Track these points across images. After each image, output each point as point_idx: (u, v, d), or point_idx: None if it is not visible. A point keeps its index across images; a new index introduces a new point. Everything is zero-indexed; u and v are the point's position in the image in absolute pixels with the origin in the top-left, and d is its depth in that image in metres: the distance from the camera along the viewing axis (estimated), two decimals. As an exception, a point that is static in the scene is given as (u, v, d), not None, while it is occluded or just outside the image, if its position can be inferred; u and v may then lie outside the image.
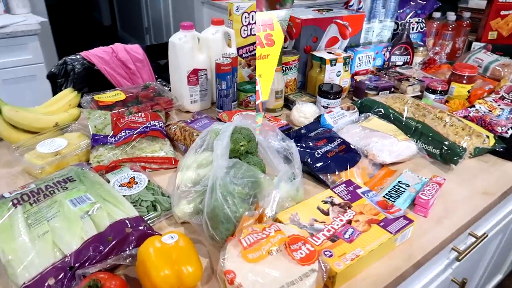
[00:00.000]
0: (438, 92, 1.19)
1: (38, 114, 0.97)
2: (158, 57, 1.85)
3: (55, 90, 1.52)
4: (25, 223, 0.62)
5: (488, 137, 0.98)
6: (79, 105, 1.07)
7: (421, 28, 1.50)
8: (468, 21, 1.55)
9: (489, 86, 1.28)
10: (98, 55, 1.49)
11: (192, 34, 1.07)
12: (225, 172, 0.64)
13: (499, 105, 1.14)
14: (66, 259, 0.57)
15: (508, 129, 1.01)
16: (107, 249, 0.59)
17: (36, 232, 0.60)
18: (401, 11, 1.48)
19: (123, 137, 0.88)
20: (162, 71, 1.69)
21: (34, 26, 2.18)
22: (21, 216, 0.63)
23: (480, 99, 1.17)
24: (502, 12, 1.50)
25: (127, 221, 0.63)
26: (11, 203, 0.66)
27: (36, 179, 0.81)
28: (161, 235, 0.60)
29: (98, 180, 0.73)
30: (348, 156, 0.88)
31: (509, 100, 1.19)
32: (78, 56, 1.48)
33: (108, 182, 0.78)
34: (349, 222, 0.68)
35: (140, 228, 0.63)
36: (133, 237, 0.61)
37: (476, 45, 1.55)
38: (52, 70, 1.49)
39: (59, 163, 0.84)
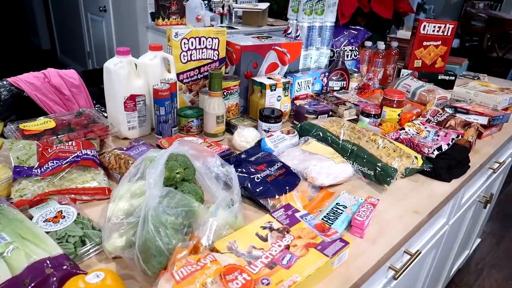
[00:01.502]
0: (372, 115, 1.26)
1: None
2: (100, 81, 1.78)
3: (-22, 118, 1.40)
4: None
5: (416, 158, 1.04)
6: (2, 135, 0.99)
7: (355, 56, 1.60)
8: (396, 50, 1.67)
9: (416, 110, 1.37)
10: (28, 80, 1.40)
11: (128, 59, 1.05)
12: (157, 202, 0.62)
13: (425, 127, 1.22)
14: (-27, 310, 0.51)
15: (434, 150, 1.09)
16: (22, 294, 0.53)
17: None
18: (336, 39, 1.57)
19: (51, 167, 0.82)
20: (99, 97, 1.63)
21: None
22: None
23: (409, 122, 1.26)
24: (424, 43, 1.64)
25: (48, 261, 0.57)
26: None
27: None
28: (85, 274, 0.55)
29: (17, 217, 0.67)
30: (287, 179, 0.89)
31: (434, 123, 1.29)
32: (5, 82, 1.38)
33: (31, 218, 0.72)
34: (287, 247, 0.68)
35: (64, 267, 0.58)
36: (55, 278, 0.56)
37: (404, 72, 1.68)
38: (-25, 96, 1.37)
39: (-26, 199, 0.76)
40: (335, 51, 1.55)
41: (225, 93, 1.21)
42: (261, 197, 0.84)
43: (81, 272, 0.59)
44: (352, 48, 1.58)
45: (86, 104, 1.47)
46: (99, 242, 0.69)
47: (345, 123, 1.15)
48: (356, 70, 1.59)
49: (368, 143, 1.07)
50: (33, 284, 0.54)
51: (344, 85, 1.51)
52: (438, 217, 1.16)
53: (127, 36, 3.40)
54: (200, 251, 0.62)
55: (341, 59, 1.47)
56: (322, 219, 0.82)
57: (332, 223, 0.81)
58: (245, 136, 1.09)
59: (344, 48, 1.56)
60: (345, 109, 1.30)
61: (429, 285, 1.51)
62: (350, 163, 1.02)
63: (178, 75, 1.19)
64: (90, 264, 0.67)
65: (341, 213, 0.85)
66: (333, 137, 1.08)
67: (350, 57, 1.59)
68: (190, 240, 0.61)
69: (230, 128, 1.21)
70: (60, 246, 0.63)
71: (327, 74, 1.46)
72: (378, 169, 0.97)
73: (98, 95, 1.63)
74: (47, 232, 0.67)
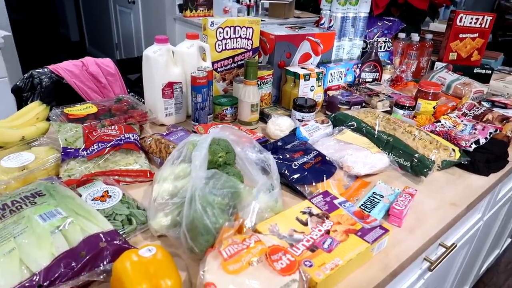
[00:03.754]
0: (406, 107, 1.24)
1: (2, 127, 0.92)
2: (129, 71, 1.82)
3: (20, 104, 1.46)
4: (-11, 241, 0.58)
5: (454, 150, 1.02)
6: (48, 119, 1.03)
7: (388, 47, 1.57)
8: (430, 42, 1.64)
9: (452, 103, 1.35)
10: (67, 68, 1.45)
11: (166, 47, 1.07)
12: (204, 183, 0.63)
13: (462, 121, 1.20)
14: (35, 277, 0.54)
15: (471, 144, 1.07)
16: (79, 265, 0.56)
17: (1, 250, 0.56)
18: (369, 30, 1.55)
19: (96, 150, 0.85)
20: (132, 86, 1.67)
21: (-4, 40, 2.10)
22: (-16, 233, 0.59)
23: (444, 115, 1.23)
24: (461, 35, 1.60)
25: (101, 235, 0.60)
26: (-28, 219, 0.61)
27: (1, 194, 0.76)
28: (137, 248, 0.57)
29: (69, 194, 0.70)
30: (324, 167, 0.90)
31: (471, 117, 1.26)
32: (45, 70, 1.43)
33: (80, 196, 0.75)
34: (328, 232, 0.69)
35: (115, 242, 0.60)
36: (108, 252, 0.59)
37: (438, 64, 1.64)
38: (18, 83, 1.43)
39: (26, 178, 0.80)
40: (368, 42, 1.53)
41: (258, 83, 1.21)
42: (298, 184, 0.85)
43: (132, 247, 0.61)
44: (386, 39, 1.56)
45: (121, 92, 1.50)
46: (145, 221, 0.72)
47: (379, 114, 1.14)
48: (389, 62, 1.57)
49: (403, 134, 1.06)
50: (88, 256, 0.57)
51: (377, 77, 1.49)
52: (473, 211, 1.14)
53: (154, 27, 3.45)
54: (244, 232, 0.64)
55: (374, 50, 1.45)
56: (360, 207, 0.82)
57: (369, 212, 0.81)
58: (280, 125, 1.09)
59: (377, 39, 1.54)
60: (379, 101, 1.29)
61: (459, 282, 1.48)
62: (386, 153, 1.01)
63: (212, 64, 1.21)
64: (137, 241, 0.70)
65: (378, 202, 0.85)
66: (368, 127, 1.08)
67: (383, 49, 1.57)
68: (235, 220, 0.63)
69: (263, 117, 1.22)
70: (109, 223, 0.66)
71: (359, 65, 1.45)
72: (415, 160, 0.96)
73: (130, 84, 1.68)
74: (96, 210, 0.70)
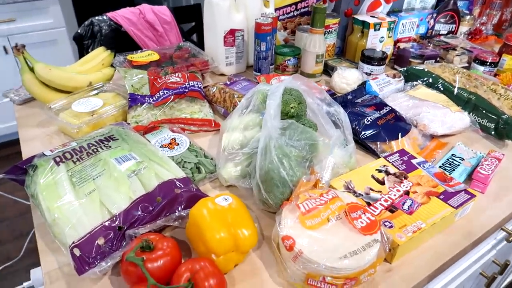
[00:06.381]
0: (488, 63, 1.12)
1: (71, 73, 0.93)
2: (182, 20, 1.77)
3: (81, 52, 1.48)
4: (70, 181, 0.59)
5: (546, 111, 0.91)
6: (111, 65, 1.03)
7: (469, -5, 1.40)
8: (518, -10, 1.44)
9: (542, 59, 1.19)
10: (125, 16, 1.43)
11: (229, -9, 1.01)
12: (279, 133, 0.60)
13: (555, 78, 1.06)
14: (115, 219, 0.54)
15: None
16: (156, 209, 0.56)
17: (82, 191, 0.57)
18: (448, -25, 1.37)
19: (162, 97, 0.84)
20: (186, 36, 1.63)
21: (54, -12, 2.12)
22: (65, 174, 0.60)
23: (533, 72, 1.10)
24: (559, -20, 1.39)
25: (176, 182, 0.59)
26: (53, 161, 0.63)
27: (72, 139, 0.77)
28: (212, 197, 0.56)
29: (140, 140, 0.70)
30: (398, 124, 0.83)
31: None
32: (105, 17, 1.43)
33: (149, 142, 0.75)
34: (407, 193, 0.64)
35: (189, 189, 0.60)
36: (182, 198, 0.58)
37: (525, 15, 1.45)
38: (79, 31, 1.44)
39: (96, 122, 0.81)
40: (445, -12, 1.37)
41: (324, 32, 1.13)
42: (370, 141, 0.80)
43: (205, 195, 0.60)
44: (467, -15, 1.39)
45: (177, 40, 1.48)
46: (213, 170, 0.71)
47: (459, 69, 1.03)
48: (467, 12, 1.40)
49: (487, 93, 0.95)
50: (164, 202, 0.57)
51: (453, 29, 1.34)
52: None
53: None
54: (318, 187, 0.61)
55: (453, -1, 1.30)
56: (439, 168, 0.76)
57: (448, 174, 0.75)
58: (346, 78, 1.02)
59: (457, -14, 1.37)
60: (456, 55, 1.17)
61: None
62: (466, 113, 0.92)
63: (274, 11, 1.13)
64: (206, 190, 0.69)
65: (458, 165, 0.78)
66: (445, 84, 0.98)
67: (463, -3, 1.40)
68: (311, 174, 0.59)
69: (327, 69, 1.15)
70: (179, 171, 0.65)
71: (435, 15, 1.31)
72: (501, 122, 0.86)
73: (182, 35, 1.63)
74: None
